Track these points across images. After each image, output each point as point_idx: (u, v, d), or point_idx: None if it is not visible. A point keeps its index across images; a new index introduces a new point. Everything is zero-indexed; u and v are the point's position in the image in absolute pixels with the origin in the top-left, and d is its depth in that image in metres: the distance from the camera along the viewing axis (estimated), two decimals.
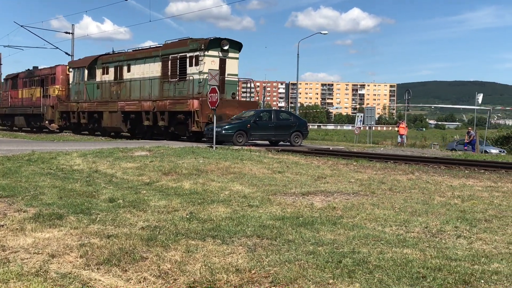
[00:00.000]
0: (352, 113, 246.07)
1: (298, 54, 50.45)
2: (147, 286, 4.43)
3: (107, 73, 32.91)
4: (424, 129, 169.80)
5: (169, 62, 27.89)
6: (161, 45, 29.26)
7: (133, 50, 32.07)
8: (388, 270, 4.81)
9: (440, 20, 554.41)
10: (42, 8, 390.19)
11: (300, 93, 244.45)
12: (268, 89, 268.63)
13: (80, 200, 8.24)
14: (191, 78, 26.45)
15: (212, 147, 19.62)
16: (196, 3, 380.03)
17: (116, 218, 6.95)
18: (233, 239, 5.92)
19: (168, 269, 4.79)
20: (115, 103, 31.28)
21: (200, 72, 25.89)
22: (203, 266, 4.84)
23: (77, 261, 5.03)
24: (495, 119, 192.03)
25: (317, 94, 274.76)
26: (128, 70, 31.09)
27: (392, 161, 16.79)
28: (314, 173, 12.02)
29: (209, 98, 20.34)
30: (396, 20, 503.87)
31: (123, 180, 10.93)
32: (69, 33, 46.77)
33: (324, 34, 52.76)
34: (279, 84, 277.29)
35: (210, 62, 25.84)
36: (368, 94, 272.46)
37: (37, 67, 42.01)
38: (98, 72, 33.69)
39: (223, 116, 24.96)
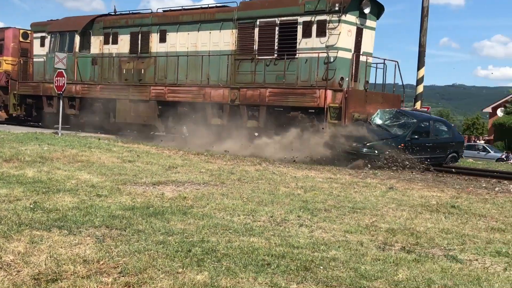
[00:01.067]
0: None
1: None
2: None
3: (115, 42, 23.23)
4: None
5: (256, 30, 19.02)
6: (235, 2, 20.16)
7: (171, 10, 22.39)
8: (236, 258, 5.03)
9: None
10: None
11: None
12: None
13: None
14: (300, 56, 17.96)
15: (58, 134, 18.80)
16: None
17: None
18: (81, 229, 5.81)
19: (11, 261, 4.61)
20: (146, 88, 21.70)
21: (329, 47, 17.36)
22: (49, 258, 4.72)
23: None
24: None
25: None
26: (162, 40, 21.67)
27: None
28: (165, 163, 12.05)
29: (55, 82, 19.32)
30: None
31: None
32: None
33: None
34: None
35: (346, 32, 17.50)
36: None
37: None
38: (96, 40, 23.93)
39: (366, 117, 17.10)
